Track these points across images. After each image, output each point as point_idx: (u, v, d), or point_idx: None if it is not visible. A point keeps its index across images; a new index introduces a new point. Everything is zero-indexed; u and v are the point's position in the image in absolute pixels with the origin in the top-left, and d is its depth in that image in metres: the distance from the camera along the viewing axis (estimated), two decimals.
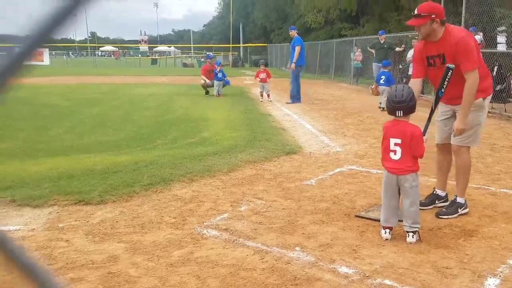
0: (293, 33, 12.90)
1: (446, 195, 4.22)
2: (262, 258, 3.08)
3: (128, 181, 4.77)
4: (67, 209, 4.05)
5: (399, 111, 3.31)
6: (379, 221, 3.56)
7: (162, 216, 3.90)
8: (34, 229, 3.60)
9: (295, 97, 12.72)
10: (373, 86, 14.86)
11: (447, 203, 4.09)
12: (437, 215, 3.90)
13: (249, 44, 45.75)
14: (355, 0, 26.19)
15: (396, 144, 3.32)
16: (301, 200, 4.34)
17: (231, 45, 44.50)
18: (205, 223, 3.73)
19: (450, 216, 3.87)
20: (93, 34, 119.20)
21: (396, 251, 3.22)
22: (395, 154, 3.33)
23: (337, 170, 5.51)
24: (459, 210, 3.92)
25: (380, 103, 10.97)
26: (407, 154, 3.31)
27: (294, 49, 12.59)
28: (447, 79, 3.70)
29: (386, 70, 10.95)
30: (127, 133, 8.05)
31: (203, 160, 5.69)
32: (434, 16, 3.66)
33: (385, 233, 3.41)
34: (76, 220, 3.79)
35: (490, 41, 10.95)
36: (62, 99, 13.35)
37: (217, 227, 3.65)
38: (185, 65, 45.21)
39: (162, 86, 18.80)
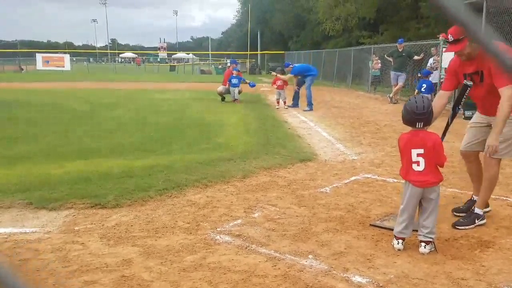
0: (289, 69, 13.59)
1: None
2: (275, 265, 3.07)
3: (143, 185, 4.81)
4: (83, 212, 4.11)
5: (420, 123, 3.27)
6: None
7: (176, 221, 3.92)
8: (50, 231, 3.66)
9: (311, 104, 12.74)
10: (390, 95, 14.80)
11: (484, 220, 3.98)
12: (454, 226, 3.83)
13: (267, 51, 45.86)
14: (374, 7, 26.07)
15: (418, 155, 3.25)
16: (315, 208, 4.32)
17: (248, 52, 44.69)
18: (218, 229, 3.74)
19: (467, 227, 3.80)
20: (113, 41, 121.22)
21: (411, 261, 3.17)
22: (418, 165, 3.26)
23: (353, 178, 5.47)
24: (476, 221, 3.85)
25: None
26: (431, 164, 3.26)
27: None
28: (464, 96, 3.64)
29: (427, 79, 11.68)
30: (143, 137, 8.13)
31: (218, 166, 5.71)
32: None
33: (398, 243, 3.37)
34: (91, 223, 3.84)
35: None
36: (81, 104, 13.56)
37: (230, 233, 3.65)
38: (202, 71, 45.49)
39: (179, 92, 18.94)
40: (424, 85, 11.52)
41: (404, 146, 3.35)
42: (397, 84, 14.60)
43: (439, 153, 3.27)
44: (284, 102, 13.20)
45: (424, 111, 3.23)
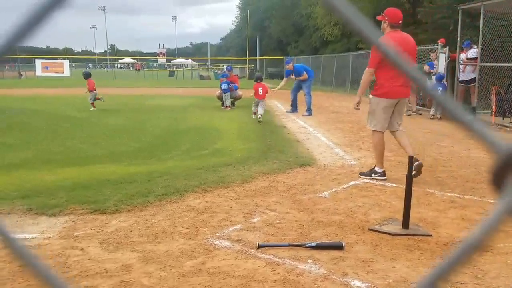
0: (290, 66, 13.39)
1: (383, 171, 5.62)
2: (274, 270, 3.08)
3: (142, 191, 4.82)
4: (83, 218, 4.12)
5: (259, 80, 11.59)
6: (393, 235, 3.60)
7: (175, 226, 3.93)
8: (49, 237, 3.66)
9: (310, 109, 12.77)
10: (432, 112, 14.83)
11: (383, 177, 5.58)
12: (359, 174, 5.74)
13: (266, 57, 46.02)
14: (371, 12, 26.20)
15: (261, 90, 11.21)
16: (314, 213, 4.33)
17: (247, 57, 44.84)
18: (217, 234, 3.75)
19: (365, 177, 5.60)
20: (112, 47, 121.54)
21: (410, 265, 3.18)
22: (260, 92, 11.19)
23: (352, 183, 5.49)
24: (373, 175, 5.59)
25: (432, 115, 12.42)
26: (264, 93, 11.28)
27: (300, 75, 13.04)
28: None
29: (440, 83, 12.50)
30: (142, 143, 8.15)
31: (217, 171, 5.73)
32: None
33: (255, 114, 10.78)
34: (91, 229, 3.85)
35: (509, 55, 10.80)
36: (80, 110, 13.57)
37: (229, 238, 3.66)
38: (201, 77, 45.61)
39: (178, 97, 18.99)
40: (440, 89, 12.12)
41: (256, 88, 11.24)
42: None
43: (267, 91, 11.40)
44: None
45: (262, 76, 12.77)
